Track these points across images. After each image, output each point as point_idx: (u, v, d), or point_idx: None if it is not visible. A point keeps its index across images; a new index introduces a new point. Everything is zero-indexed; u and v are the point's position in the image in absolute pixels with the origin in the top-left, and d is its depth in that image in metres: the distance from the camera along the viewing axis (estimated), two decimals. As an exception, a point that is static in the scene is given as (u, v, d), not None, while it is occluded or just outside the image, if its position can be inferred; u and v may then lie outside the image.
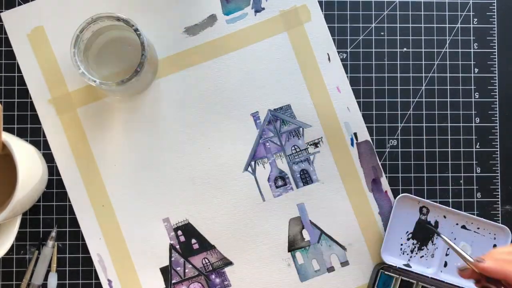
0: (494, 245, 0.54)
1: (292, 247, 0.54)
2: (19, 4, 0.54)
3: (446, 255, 0.54)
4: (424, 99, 0.55)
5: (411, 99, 0.55)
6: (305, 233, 0.54)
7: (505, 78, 0.56)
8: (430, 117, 0.55)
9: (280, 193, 0.54)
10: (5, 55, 0.54)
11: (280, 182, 0.54)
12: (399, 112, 0.55)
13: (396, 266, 0.52)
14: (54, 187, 0.53)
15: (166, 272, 0.53)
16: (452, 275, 0.53)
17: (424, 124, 0.55)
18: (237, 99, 0.54)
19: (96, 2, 0.54)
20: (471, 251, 0.54)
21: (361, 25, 0.55)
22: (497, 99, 0.55)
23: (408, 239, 0.54)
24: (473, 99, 0.55)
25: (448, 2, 0.56)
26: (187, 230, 0.53)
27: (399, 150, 0.54)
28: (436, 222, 0.54)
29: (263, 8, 0.55)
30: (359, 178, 0.54)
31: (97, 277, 0.53)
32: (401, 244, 0.54)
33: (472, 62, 0.56)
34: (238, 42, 0.54)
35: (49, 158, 0.53)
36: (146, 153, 0.54)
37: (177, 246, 0.53)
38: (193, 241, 0.54)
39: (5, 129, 0.53)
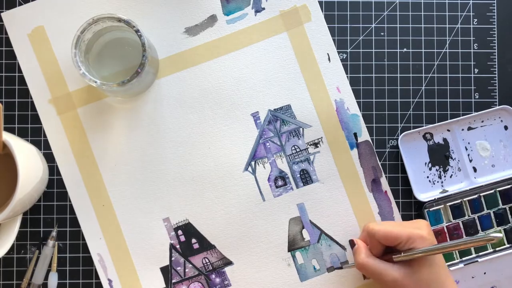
0: (505, 127, 0.54)
1: (292, 247, 0.54)
2: (20, 4, 0.54)
3: (470, 161, 0.54)
4: (424, 100, 0.55)
5: (411, 99, 0.55)
6: (305, 233, 0.54)
7: (505, 79, 0.56)
8: (430, 117, 0.55)
9: (280, 193, 0.54)
10: (5, 55, 0.54)
11: (280, 182, 0.54)
12: (399, 112, 0.55)
13: (435, 198, 0.53)
14: (55, 186, 0.53)
15: (166, 271, 0.53)
16: (486, 175, 0.54)
17: (424, 125, 0.55)
18: (237, 99, 0.54)
19: (97, 2, 0.54)
20: (489, 145, 0.54)
21: (361, 25, 0.55)
22: (497, 100, 0.56)
23: (430, 169, 0.54)
24: (473, 100, 0.56)
25: (448, 3, 0.56)
26: (187, 230, 0.54)
27: (399, 150, 0.54)
28: (444, 140, 0.54)
29: (263, 8, 0.55)
30: (359, 178, 0.54)
31: (97, 277, 0.53)
32: (427, 177, 0.54)
33: (472, 63, 0.56)
34: (238, 43, 0.54)
35: (49, 158, 0.53)
36: (146, 153, 0.54)
37: (177, 246, 0.53)
38: (193, 240, 0.54)
39: (6, 129, 0.53)
